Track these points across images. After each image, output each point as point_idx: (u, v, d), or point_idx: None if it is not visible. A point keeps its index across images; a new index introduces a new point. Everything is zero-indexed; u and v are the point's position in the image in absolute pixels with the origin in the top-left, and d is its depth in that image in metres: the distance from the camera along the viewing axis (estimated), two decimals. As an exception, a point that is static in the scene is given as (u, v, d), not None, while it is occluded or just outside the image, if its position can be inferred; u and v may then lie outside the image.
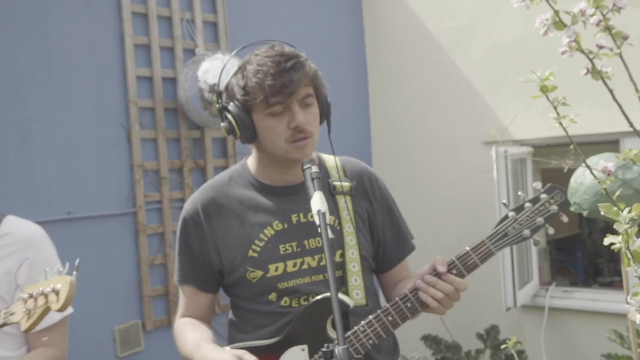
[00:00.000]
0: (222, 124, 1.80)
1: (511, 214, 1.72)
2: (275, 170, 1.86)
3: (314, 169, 1.60)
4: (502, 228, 1.72)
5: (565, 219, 1.73)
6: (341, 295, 1.73)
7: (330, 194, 1.86)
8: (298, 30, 4.86)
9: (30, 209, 3.35)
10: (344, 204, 1.85)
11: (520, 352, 4.21)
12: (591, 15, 1.54)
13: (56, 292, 1.48)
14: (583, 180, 2.56)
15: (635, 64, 1.65)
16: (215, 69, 3.89)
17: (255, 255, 1.81)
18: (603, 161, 2.51)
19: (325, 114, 1.84)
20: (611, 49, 1.56)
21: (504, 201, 1.84)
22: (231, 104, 1.77)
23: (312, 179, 1.57)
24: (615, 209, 0.99)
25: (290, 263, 1.81)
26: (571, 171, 5.40)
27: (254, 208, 1.85)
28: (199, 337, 1.80)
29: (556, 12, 1.57)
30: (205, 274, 1.90)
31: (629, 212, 0.98)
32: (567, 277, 6.23)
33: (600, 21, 1.55)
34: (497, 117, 4.82)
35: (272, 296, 1.82)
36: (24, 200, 3.38)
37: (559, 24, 1.58)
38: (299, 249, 1.82)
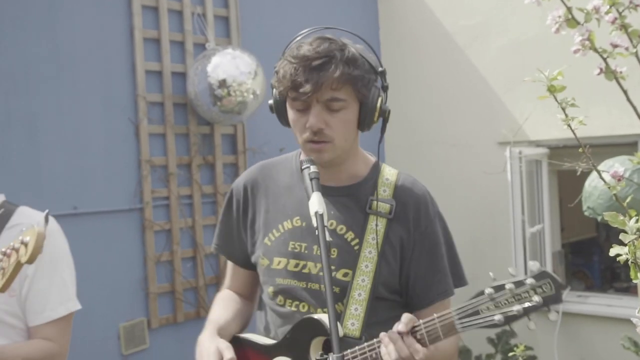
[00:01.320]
0: (269, 102, 1.77)
1: (488, 290, 1.46)
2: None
3: (313, 168, 1.53)
4: (474, 304, 1.47)
5: (553, 317, 1.48)
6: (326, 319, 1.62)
7: (365, 212, 1.74)
8: (310, 26, 4.78)
9: (37, 203, 3.26)
10: (374, 226, 1.72)
11: (533, 358, 4.12)
12: (606, 13, 1.47)
13: (25, 244, 1.44)
14: (597, 184, 2.48)
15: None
16: (226, 64, 3.84)
17: (269, 243, 1.80)
18: (618, 164, 2.41)
19: (368, 122, 1.71)
20: (626, 48, 1.48)
21: (490, 273, 1.52)
22: (274, 83, 1.73)
23: (311, 179, 1.50)
24: (622, 218, 0.91)
25: (293, 262, 1.75)
26: (587, 174, 5.31)
27: (286, 197, 1.82)
28: (216, 317, 1.82)
29: (569, 9, 1.50)
30: (240, 249, 1.89)
31: (637, 221, 0.90)
32: (583, 281, 6.12)
33: (615, 19, 1.48)
34: (513, 117, 4.73)
35: (270, 290, 1.80)
36: (31, 194, 3.33)
37: (571, 22, 1.51)
38: (306, 251, 1.75)
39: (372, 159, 1.86)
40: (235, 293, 1.96)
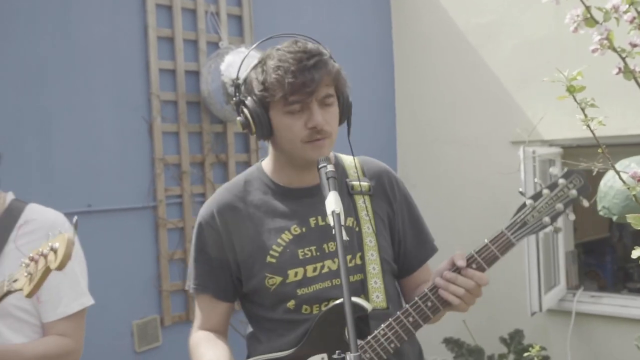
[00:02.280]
0: (238, 118, 1.74)
1: (529, 202, 1.67)
2: (292, 170, 1.79)
3: (330, 167, 1.52)
4: (521, 217, 1.66)
5: (585, 203, 1.67)
6: (358, 300, 1.66)
7: (349, 194, 1.79)
8: (324, 25, 4.80)
9: (50, 200, 3.28)
10: (363, 204, 1.79)
11: (546, 358, 4.10)
12: (625, 12, 1.46)
13: (54, 251, 1.44)
14: (613, 184, 2.46)
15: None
16: (239, 62, 3.83)
17: (274, 261, 1.74)
18: (635, 164, 2.40)
19: (345, 114, 1.77)
20: (640, 48, 1.47)
21: (520, 189, 1.79)
22: (249, 98, 1.71)
23: (328, 178, 1.49)
24: (646, 222, 0.90)
25: (310, 268, 1.73)
26: (602, 174, 5.28)
27: (271, 213, 1.79)
28: (215, 355, 1.71)
29: (587, 8, 1.48)
30: (224, 281, 1.80)
31: (661, 225, 0.90)
32: (596, 282, 6.08)
33: (634, 18, 1.47)
34: (526, 116, 4.71)
35: (291, 304, 1.74)
36: (44, 191, 3.35)
37: (590, 21, 1.50)
38: (318, 253, 1.74)
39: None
40: (212, 332, 1.85)
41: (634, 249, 0.94)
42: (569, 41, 4.44)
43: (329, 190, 1.45)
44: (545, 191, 1.66)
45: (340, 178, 1.78)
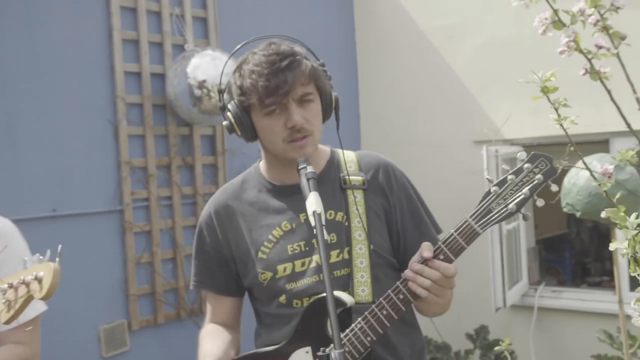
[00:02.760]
0: (224, 123, 1.79)
1: (494, 188, 1.62)
2: (281, 169, 1.83)
3: (309, 168, 1.56)
4: (485, 205, 1.62)
5: (554, 187, 1.62)
6: (339, 294, 1.69)
7: (341, 188, 1.83)
8: (288, 26, 4.82)
9: (15, 205, 3.29)
10: (355, 198, 1.81)
11: (510, 353, 4.19)
12: (590, 15, 1.52)
13: (39, 280, 1.41)
14: (576, 181, 2.54)
15: (632, 65, 1.62)
16: (205, 65, 3.84)
17: (265, 257, 1.81)
18: (596, 162, 2.48)
19: (329, 110, 1.80)
20: (608, 49, 1.53)
21: (487, 177, 1.73)
22: (231, 102, 1.75)
23: (308, 180, 1.52)
24: (622, 214, 0.95)
25: (298, 263, 1.78)
26: (562, 172, 5.41)
27: (264, 210, 1.85)
28: (208, 349, 1.80)
29: (555, 12, 1.54)
30: (223, 277, 1.90)
31: (636, 217, 0.94)
32: (555, 277, 6.23)
33: (598, 21, 1.53)
34: (488, 116, 4.80)
35: (282, 299, 1.80)
36: (8, 196, 3.31)
37: (557, 24, 1.55)
38: (306, 248, 1.79)
39: (327, 148, 1.94)
40: (220, 325, 1.94)
41: (609, 243, 0.98)
42: (529, 42, 4.55)
43: (309, 191, 1.48)
44: (511, 177, 1.62)
45: (334, 172, 1.85)
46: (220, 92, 1.79)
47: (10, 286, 1.45)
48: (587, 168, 1.32)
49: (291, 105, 1.69)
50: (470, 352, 4.40)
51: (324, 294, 1.66)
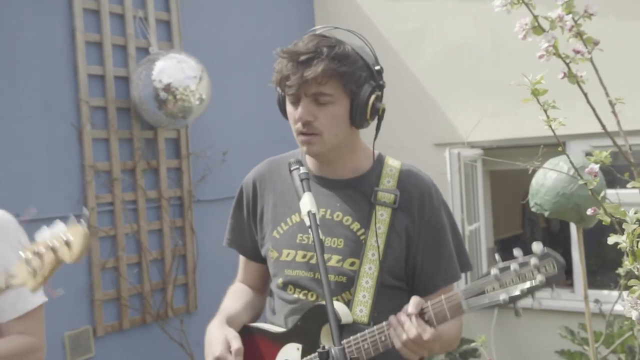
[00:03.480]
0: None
1: (494, 271, 1.53)
2: (316, 159, 1.86)
3: (302, 169, 1.59)
4: (480, 284, 1.55)
5: (555, 295, 1.55)
6: (339, 306, 1.71)
7: (370, 202, 1.80)
8: (250, 29, 4.84)
9: (-23, 211, 3.22)
10: (382, 216, 1.78)
11: (474, 350, 4.28)
12: (567, 22, 1.58)
13: (68, 244, 1.38)
14: (544, 182, 2.63)
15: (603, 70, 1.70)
16: (171, 68, 3.82)
17: (277, 236, 1.87)
18: (563, 163, 2.57)
19: (359, 117, 1.74)
20: (582, 54, 1.59)
21: (496, 254, 1.60)
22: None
23: (301, 180, 1.55)
24: (623, 209, 1.01)
25: (300, 253, 1.81)
26: (518, 173, 5.53)
27: (293, 191, 1.79)
28: (225, 307, 1.90)
29: (535, 17, 1.60)
30: (251, 242, 1.97)
31: (635, 212, 1.00)
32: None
33: (572, 27, 1.59)
34: (448, 120, 4.90)
35: (280, 281, 1.86)
36: (-30, 201, 3.24)
37: (537, 29, 1.61)
38: (313, 243, 1.75)
39: (375, 152, 1.89)
40: (247, 286, 2.04)
41: (609, 236, 1.04)
42: (487, 48, 4.67)
43: (303, 192, 1.51)
44: (514, 266, 1.52)
45: (370, 183, 1.82)
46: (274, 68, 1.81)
47: (36, 253, 1.42)
48: (576, 170, 1.37)
49: (302, 100, 1.71)
50: (434, 351, 4.47)
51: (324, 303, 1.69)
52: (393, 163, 1.87)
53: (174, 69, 3.80)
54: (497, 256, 1.60)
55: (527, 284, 1.50)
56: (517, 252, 1.54)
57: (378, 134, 1.81)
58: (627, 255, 1.01)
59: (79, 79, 3.75)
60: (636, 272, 0.99)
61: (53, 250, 1.40)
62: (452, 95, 4.87)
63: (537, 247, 1.52)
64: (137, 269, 4.02)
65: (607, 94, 1.67)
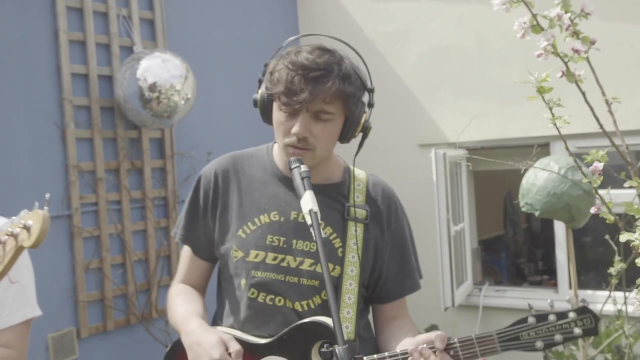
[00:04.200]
0: (254, 95, 1.80)
1: (531, 319, 1.61)
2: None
3: (303, 167, 1.56)
4: (516, 330, 1.61)
5: (582, 342, 1.63)
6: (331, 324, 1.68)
7: (343, 218, 1.82)
8: (234, 29, 4.82)
9: (-41, 211, 3.16)
10: (354, 232, 1.80)
11: (459, 351, 4.29)
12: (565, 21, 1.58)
13: (27, 229, 1.36)
14: (535, 182, 2.64)
15: (598, 70, 1.70)
16: (155, 67, 3.78)
17: (243, 236, 1.82)
18: (554, 162, 2.58)
19: (349, 135, 1.77)
20: (579, 52, 1.60)
21: (529, 303, 1.71)
22: (265, 83, 1.76)
23: (302, 178, 1.53)
24: (637, 207, 1.00)
25: (271, 255, 1.79)
26: (501, 174, 5.56)
27: (261, 190, 1.85)
28: (190, 309, 1.82)
29: (534, 16, 1.60)
30: (204, 240, 1.91)
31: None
32: (492, 277, 6.41)
33: (569, 26, 1.59)
34: (433, 120, 4.91)
35: (243, 282, 1.82)
36: (-48, 202, 3.19)
37: (536, 28, 1.61)
38: (284, 245, 1.79)
39: (343, 162, 1.94)
40: (191, 287, 1.97)
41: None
42: (472, 48, 4.68)
43: (304, 190, 1.49)
44: (552, 317, 1.61)
45: (342, 196, 1.85)
46: (266, 65, 1.78)
47: None
48: (579, 166, 1.37)
49: (303, 115, 1.68)
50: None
51: (322, 320, 1.68)
52: (359, 175, 1.91)
53: (159, 68, 3.76)
54: (529, 304, 1.69)
55: (565, 335, 1.60)
56: (550, 302, 1.65)
57: (360, 151, 1.83)
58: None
59: (62, 78, 3.70)
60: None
61: (13, 236, 1.37)
62: (437, 96, 4.88)
63: (572, 300, 1.67)
64: (121, 270, 3.98)
65: (603, 93, 1.68)
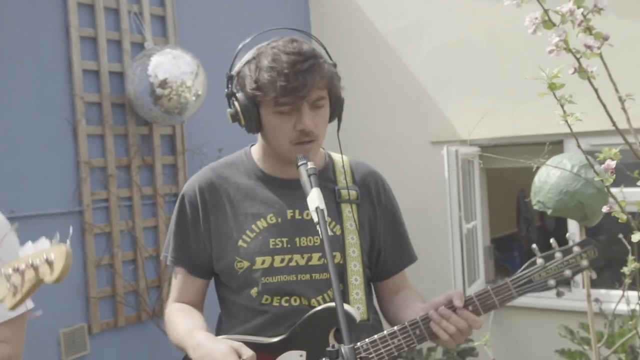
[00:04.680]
0: (228, 110, 1.76)
1: (540, 261, 1.67)
2: (277, 161, 1.81)
3: (310, 164, 1.54)
4: (528, 274, 1.66)
5: (594, 275, 1.68)
6: (348, 308, 1.68)
7: (335, 201, 1.81)
8: (245, 24, 4.79)
9: (-30, 207, 3.17)
10: (349, 213, 1.80)
11: (471, 350, 4.26)
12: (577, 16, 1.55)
13: (50, 263, 1.33)
14: (547, 180, 2.60)
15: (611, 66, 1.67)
16: (166, 63, 3.78)
17: (245, 245, 1.77)
18: (566, 160, 2.55)
19: (336, 114, 1.79)
20: (591, 49, 1.57)
21: (534, 245, 1.72)
22: (240, 92, 1.72)
23: (309, 175, 1.51)
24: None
25: (278, 258, 1.75)
26: (513, 171, 5.52)
27: (251, 197, 1.81)
28: (192, 324, 1.75)
29: (546, 11, 1.57)
30: (199, 257, 1.85)
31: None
32: (506, 275, 6.37)
33: (581, 21, 1.56)
34: (444, 117, 4.87)
35: (254, 291, 1.77)
36: (-37, 198, 3.20)
37: (547, 23, 1.58)
38: (288, 245, 1.76)
39: (322, 149, 1.91)
40: (188, 304, 1.89)
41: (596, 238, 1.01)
42: (484, 44, 4.64)
43: (311, 187, 1.47)
44: (558, 254, 1.67)
45: (331, 182, 1.83)
46: (230, 78, 1.75)
47: (16, 270, 1.38)
48: (591, 164, 1.34)
49: (304, 108, 1.66)
50: (433, 350, 4.45)
51: (333, 305, 1.66)
52: (338, 158, 1.90)
53: (170, 65, 3.76)
54: (534, 246, 1.71)
55: (574, 269, 1.66)
56: (553, 242, 1.68)
57: (341, 126, 1.84)
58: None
59: (73, 74, 3.70)
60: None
61: (34, 268, 1.36)
62: (449, 93, 4.85)
63: (573, 235, 1.69)
64: (132, 266, 3.98)
65: (616, 90, 1.65)
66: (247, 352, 1.56)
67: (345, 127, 5.62)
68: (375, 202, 1.86)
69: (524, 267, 1.67)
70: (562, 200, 2.50)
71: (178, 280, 1.91)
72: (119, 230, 3.89)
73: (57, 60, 3.68)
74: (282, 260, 1.76)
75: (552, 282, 1.65)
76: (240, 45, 1.78)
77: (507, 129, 4.65)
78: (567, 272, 1.65)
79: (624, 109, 1.64)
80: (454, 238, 4.24)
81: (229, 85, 1.76)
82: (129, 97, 3.88)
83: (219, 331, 1.90)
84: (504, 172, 5.75)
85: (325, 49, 1.81)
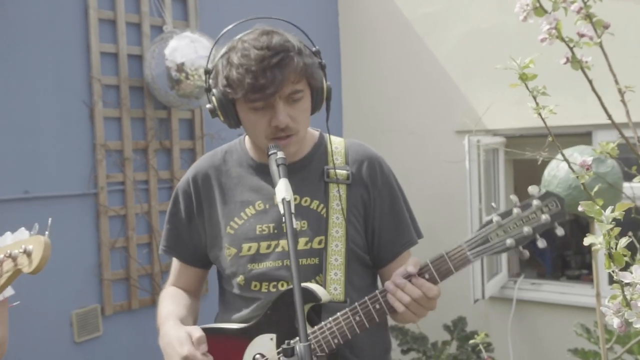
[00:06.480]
0: (207, 106, 1.75)
1: (496, 218, 1.54)
2: (264, 151, 1.78)
3: (280, 154, 1.52)
4: (484, 233, 1.56)
5: (560, 232, 1.54)
6: (315, 287, 1.66)
7: (324, 181, 1.78)
8: (270, 11, 4.72)
9: (-15, 187, 3.22)
10: (336, 192, 1.76)
11: (488, 345, 4.18)
12: (572, 2, 1.47)
13: (28, 254, 1.36)
14: (557, 173, 2.51)
15: (614, 56, 1.58)
16: (183, 47, 3.75)
17: (232, 232, 1.78)
18: (577, 154, 2.45)
19: (319, 104, 1.75)
20: (591, 38, 1.49)
21: (492, 203, 1.60)
22: (217, 87, 1.69)
23: (278, 165, 1.48)
24: (598, 207, 0.91)
25: (264, 244, 1.75)
26: (544, 163, 5.38)
27: (242, 185, 1.82)
28: (171, 310, 1.80)
29: (537, -2, 1.49)
30: (192, 247, 1.89)
31: (612, 211, 0.90)
32: (535, 269, 6.23)
33: (581, 8, 1.48)
34: (471, 106, 4.76)
35: (240, 279, 1.78)
36: (-21, 177, 3.23)
37: (539, 10, 1.50)
38: (275, 231, 1.75)
39: (316, 132, 1.90)
40: (182, 290, 1.95)
41: (586, 236, 0.94)
42: (513, 32, 4.51)
43: (279, 178, 1.44)
44: (516, 210, 1.54)
45: (319, 161, 1.81)
46: (207, 72, 1.72)
47: None
48: (567, 160, 1.27)
49: (277, 104, 1.62)
50: (448, 344, 4.38)
51: (306, 285, 1.65)
52: (337, 140, 1.86)
53: (187, 49, 3.73)
54: (493, 204, 1.61)
55: (533, 225, 1.52)
56: (514, 197, 1.56)
57: (329, 114, 1.79)
58: (605, 259, 0.91)
59: (91, 57, 3.70)
60: (614, 277, 0.90)
61: (12, 258, 1.36)
62: (476, 82, 4.72)
63: (533, 189, 1.55)
64: (146, 250, 3.99)
65: (616, 82, 1.56)
66: (196, 334, 1.61)
67: (371, 116, 5.63)
68: (368, 183, 1.81)
69: (480, 226, 1.57)
70: (571, 195, 2.40)
71: (174, 266, 1.97)
72: (134, 213, 3.90)
73: (76, 42, 3.69)
74: (269, 247, 1.75)
75: (510, 241, 1.52)
76: (218, 36, 1.76)
77: (534, 119, 4.50)
78: (527, 229, 1.51)
79: (623, 101, 1.56)
80: (473, 229, 4.14)
81: (207, 81, 1.73)
82: (146, 81, 3.86)
83: (216, 317, 1.92)
84: (533, 163, 5.61)
85: (307, 36, 1.75)
